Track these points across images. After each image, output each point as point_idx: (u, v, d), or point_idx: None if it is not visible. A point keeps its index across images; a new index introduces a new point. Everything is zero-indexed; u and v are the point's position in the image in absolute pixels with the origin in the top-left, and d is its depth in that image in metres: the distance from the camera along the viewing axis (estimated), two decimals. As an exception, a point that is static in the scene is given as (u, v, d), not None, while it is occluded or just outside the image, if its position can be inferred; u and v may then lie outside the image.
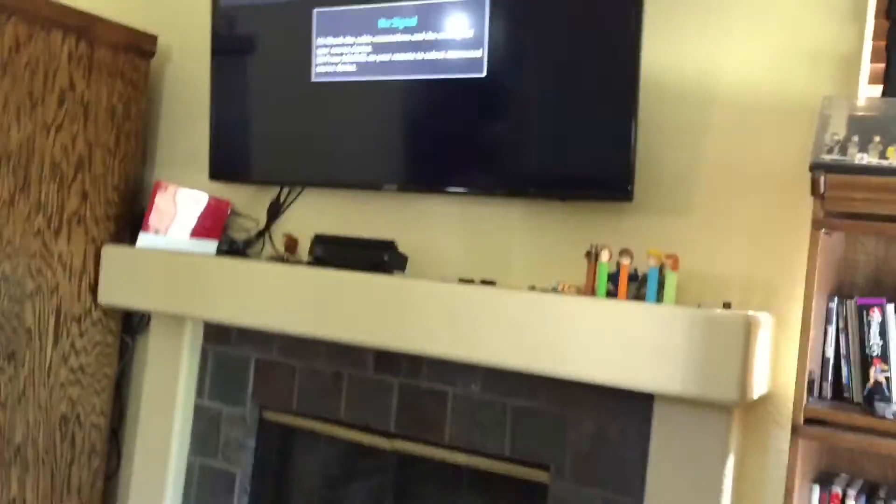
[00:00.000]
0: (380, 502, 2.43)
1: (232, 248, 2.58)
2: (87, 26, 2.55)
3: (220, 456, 2.53)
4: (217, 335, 2.57)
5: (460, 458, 2.18)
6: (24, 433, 2.49)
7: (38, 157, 2.47)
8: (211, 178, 2.59)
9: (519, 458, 2.08)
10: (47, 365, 2.54)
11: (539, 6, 2.05)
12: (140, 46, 2.71)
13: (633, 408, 1.93)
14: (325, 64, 2.35)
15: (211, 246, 2.56)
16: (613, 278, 1.91)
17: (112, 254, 2.58)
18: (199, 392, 2.59)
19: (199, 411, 2.58)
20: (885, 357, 1.61)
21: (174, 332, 2.60)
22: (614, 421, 1.96)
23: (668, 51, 2.04)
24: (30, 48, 2.42)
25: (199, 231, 2.56)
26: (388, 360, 2.27)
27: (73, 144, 2.55)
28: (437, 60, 2.18)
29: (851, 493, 1.62)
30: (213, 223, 2.59)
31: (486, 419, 2.12)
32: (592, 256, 1.92)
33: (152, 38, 2.74)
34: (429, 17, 2.19)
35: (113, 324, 2.71)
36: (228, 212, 2.60)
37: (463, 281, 2.08)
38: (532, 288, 2.04)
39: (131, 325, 2.79)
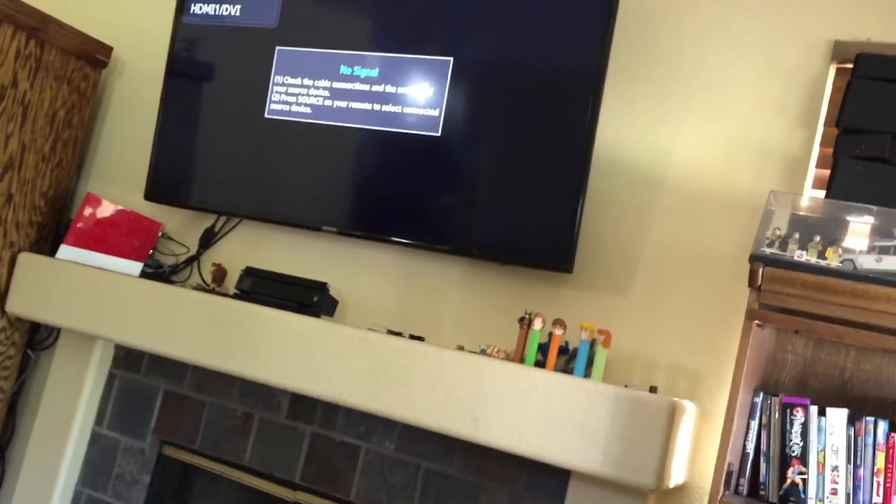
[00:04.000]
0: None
1: (157, 272, 2.48)
2: (41, 26, 2.48)
3: (111, 490, 2.38)
4: (127, 360, 2.45)
5: (364, 518, 2.09)
6: None
7: (-34, 151, 2.36)
8: (146, 198, 2.50)
9: (425, 525, 2.00)
10: (-62, 370, 2.38)
11: (501, 76, 2.06)
12: (93, 55, 2.64)
13: (549, 483, 1.88)
14: (280, 102, 2.32)
15: (135, 267, 2.45)
16: (544, 348, 1.88)
17: (28, 261, 2.45)
18: (99, 419, 2.44)
19: (95, 439, 2.43)
20: (803, 459, 1.60)
21: (82, 351, 2.46)
22: (528, 495, 1.90)
23: (625, 132, 2.06)
24: (-24, 39, 2.33)
25: (125, 250, 2.46)
26: (302, 406, 2.18)
27: (5, 144, 2.45)
28: (393, 113, 2.16)
29: None
30: (141, 244, 2.49)
31: (397, 479, 2.04)
32: (525, 323, 1.89)
33: (107, 49, 2.68)
34: (391, 71, 2.18)
35: (18, 335, 2.57)
36: (159, 234, 2.51)
37: (391, 333, 2.02)
38: (460, 348, 1.99)
39: (38, 339, 2.65)
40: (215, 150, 2.42)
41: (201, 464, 2.32)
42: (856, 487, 1.57)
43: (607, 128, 2.06)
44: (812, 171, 1.90)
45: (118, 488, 2.37)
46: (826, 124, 1.89)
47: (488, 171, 2.05)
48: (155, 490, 2.36)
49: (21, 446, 2.60)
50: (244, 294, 2.19)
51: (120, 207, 2.48)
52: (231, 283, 2.42)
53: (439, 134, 2.11)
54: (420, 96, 2.13)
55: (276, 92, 2.32)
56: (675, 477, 1.73)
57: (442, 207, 2.09)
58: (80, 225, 2.46)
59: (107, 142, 2.75)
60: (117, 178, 2.70)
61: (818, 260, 1.51)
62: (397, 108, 2.16)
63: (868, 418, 1.57)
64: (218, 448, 2.27)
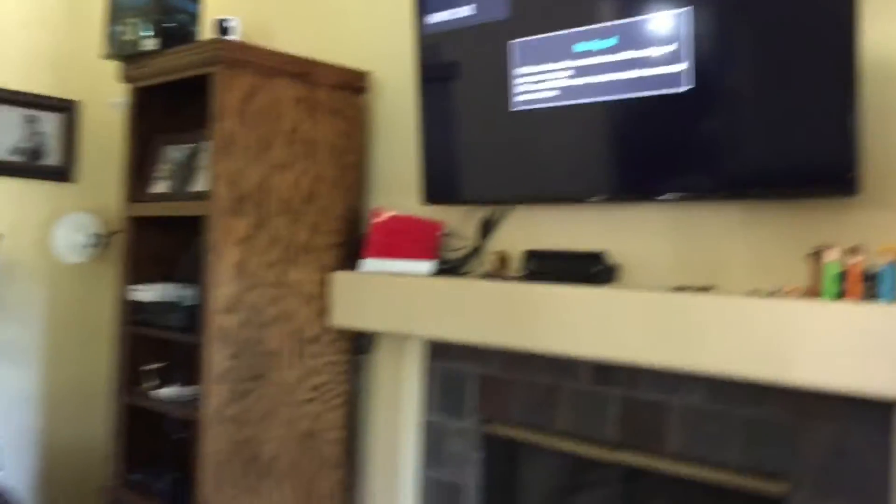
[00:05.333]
0: (606, 514, 2.42)
1: (447, 268, 2.69)
2: (308, 71, 2.78)
3: (449, 469, 2.63)
4: (439, 352, 2.68)
5: (687, 470, 2.13)
6: (273, 447, 2.73)
7: (272, 194, 2.71)
8: (424, 202, 2.71)
9: (750, 470, 2.00)
10: (289, 385, 2.77)
11: (745, 7, 1.98)
12: (355, 84, 2.91)
13: (872, 416, 1.80)
14: (524, 93, 2.40)
15: (427, 266, 2.68)
16: (841, 279, 1.80)
17: (339, 279, 2.77)
18: (426, 407, 2.71)
19: (426, 426, 2.70)
20: None
21: (399, 350, 2.74)
22: (852, 430, 1.84)
23: (892, 27, 1.89)
24: (260, 96, 2.67)
25: (416, 253, 2.70)
26: (605, 372, 2.27)
27: (301, 181, 2.78)
28: (639, 78, 2.15)
29: None
30: (428, 244, 2.71)
31: (712, 430, 2.06)
32: (816, 257, 1.82)
33: (365, 75, 2.93)
34: (629, 36, 2.17)
35: (344, 344, 2.92)
36: (441, 233, 2.72)
37: (678, 289, 2.04)
38: (753, 293, 1.97)
39: (360, 344, 2.98)
40: (475, 146, 2.57)
41: (523, 437, 2.50)
42: None
43: (874, 29, 1.90)
44: None
45: (455, 467, 2.62)
46: None
47: (748, 108, 1.99)
48: (487, 465, 2.58)
49: (366, 440, 2.95)
50: (530, 275, 2.32)
51: (403, 214, 2.72)
52: (514, 266, 2.56)
53: (691, 86, 2.07)
54: (664, 54, 2.11)
55: (519, 82, 2.41)
56: None
57: (707, 156, 2.06)
58: (373, 238, 2.74)
59: (381, 158, 3.01)
60: (396, 189, 2.95)
61: None
62: (642, 72, 2.15)
63: None
64: (534, 420, 2.43)
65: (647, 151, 2.17)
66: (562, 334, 2.14)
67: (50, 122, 3.46)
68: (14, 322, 3.40)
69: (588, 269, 2.20)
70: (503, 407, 2.51)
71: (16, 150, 3.34)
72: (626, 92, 2.19)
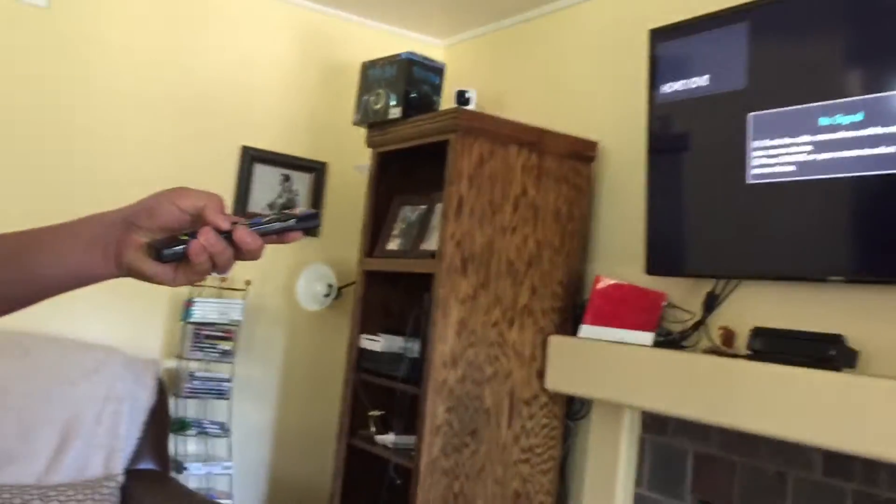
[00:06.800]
0: None
1: (668, 340, 2.64)
2: (537, 140, 2.87)
3: (659, 547, 2.54)
4: (654, 425, 2.62)
5: (931, 583, 1.93)
6: (483, 504, 2.78)
7: (496, 256, 2.81)
8: (647, 272, 2.69)
9: None
10: (502, 443, 2.81)
11: None
12: (582, 153, 2.97)
13: None
14: (761, 166, 2.33)
15: (647, 337, 2.64)
16: None
17: (557, 343, 2.80)
18: (639, 481, 2.65)
19: (638, 500, 2.64)
20: None
21: (613, 419, 2.71)
22: None
23: None
24: (491, 162, 2.80)
25: (636, 322, 2.67)
26: (839, 463, 2.12)
27: (524, 244, 2.86)
28: (887, 155, 2.04)
29: None
30: (650, 315, 2.68)
31: (964, 540, 1.86)
32: None
33: (593, 145, 2.98)
34: (876, 111, 2.07)
35: (557, 408, 2.92)
36: (663, 304, 2.68)
37: (927, 380, 1.88)
38: None
39: (573, 410, 2.97)
40: (704, 217, 2.52)
41: (741, 523, 2.37)
42: None
43: None
44: None
45: (666, 546, 2.52)
46: None
47: None
48: (700, 548, 2.47)
49: (574, 507, 2.92)
50: (756, 354, 2.23)
51: (625, 283, 2.71)
52: (740, 343, 2.46)
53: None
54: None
55: (756, 156, 2.35)
56: None
57: (964, 237, 1.91)
58: (594, 304, 2.74)
59: (605, 226, 3.04)
60: (619, 257, 2.95)
61: None
62: (889, 149, 2.03)
63: None
64: (755, 507, 2.30)
65: (892, 231, 2.04)
66: (791, 419, 2.03)
67: (301, 181, 3.80)
68: (257, 362, 3.73)
69: (823, 352, 2.08)
70: (721, 489, 2.40)
71: (271, 205, 3.70)
72: (871, 169, 2.07)
